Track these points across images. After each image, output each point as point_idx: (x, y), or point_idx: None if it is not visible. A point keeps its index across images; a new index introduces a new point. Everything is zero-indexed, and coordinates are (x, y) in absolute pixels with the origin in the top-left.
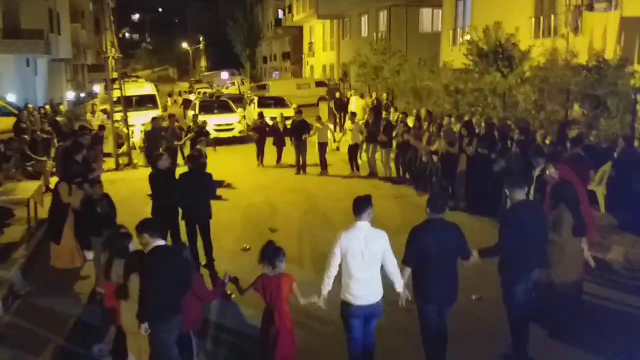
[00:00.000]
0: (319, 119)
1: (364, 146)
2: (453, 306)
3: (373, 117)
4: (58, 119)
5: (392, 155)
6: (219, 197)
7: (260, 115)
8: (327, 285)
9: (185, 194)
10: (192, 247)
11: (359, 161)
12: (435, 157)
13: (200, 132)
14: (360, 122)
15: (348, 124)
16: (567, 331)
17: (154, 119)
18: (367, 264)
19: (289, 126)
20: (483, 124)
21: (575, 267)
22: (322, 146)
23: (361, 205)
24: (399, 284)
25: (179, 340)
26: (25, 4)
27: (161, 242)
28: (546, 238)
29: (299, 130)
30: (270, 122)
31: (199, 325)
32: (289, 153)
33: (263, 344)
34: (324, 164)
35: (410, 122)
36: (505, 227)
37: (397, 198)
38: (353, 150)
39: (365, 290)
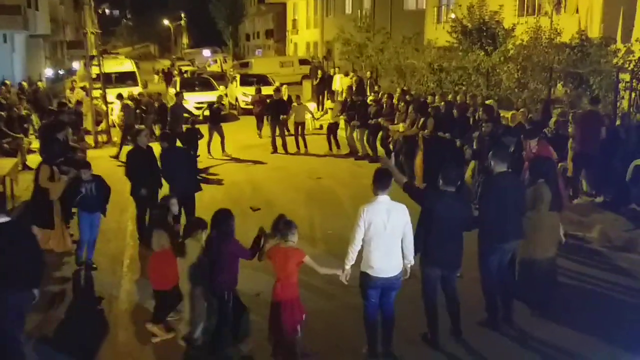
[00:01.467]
0: (297, 98)
1: (343, 124)
2: (457, 271)
3: (352, 96)
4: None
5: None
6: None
7: (259, 90)
8: (352, 259)
9: (172, 168)
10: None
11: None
12: (395, 133)
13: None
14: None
15: (328, 102)
16: (547, 308)
17: (177, 94)
18: (389, 236)
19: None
20: (442, 103)
21: (552, 242)
22: (299, 126)
23: (383, 179)
24: (412, 257)
25: (217, 302)
26: None
27: (5, 219)
28: (523, 210)
29: (277, 109)
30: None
31: (235, 285)
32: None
33: (270, 314)
34: (303, 144)
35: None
36: (485, 197)
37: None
38: (332, 128)
39: (386, 263)
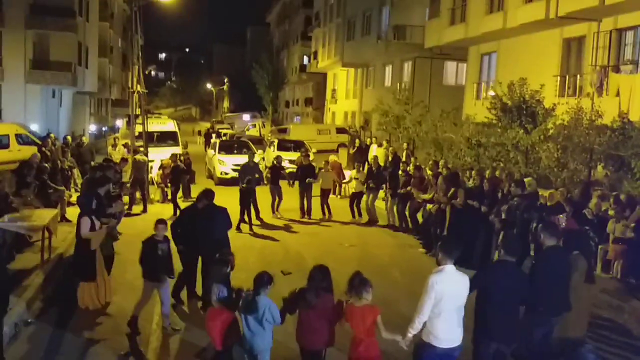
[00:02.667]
0: (325, 163)
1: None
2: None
3: (377, 166)
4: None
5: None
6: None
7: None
8: (417, 329)
9: (204, 227)
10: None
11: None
12: (433, 207)
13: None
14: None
15: (354, 172)
16: None
17: (252, 153)
18: (457, 307)
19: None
20: (475, 176)
21: (585, 316)
22: (325, 192)
23: (452, 248)
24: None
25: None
26: (56, 37)
27: None
28: (569, 284)
29: (305, 174)
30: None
31: (333, 342)
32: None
33: None
34: (327, 211)
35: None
36: (538, 271)
37: (412, 248)
38: (355, 197)
39: (451, 334)
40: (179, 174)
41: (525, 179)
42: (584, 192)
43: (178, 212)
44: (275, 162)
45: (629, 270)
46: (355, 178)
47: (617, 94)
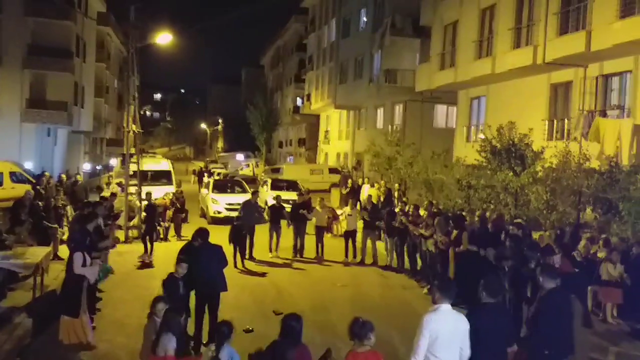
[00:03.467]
0: (322, 200)
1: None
2: None
3: (379, 205)
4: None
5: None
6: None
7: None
8: None
9: (201, 265)
10: (198, 321)
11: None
12: (429, 242)
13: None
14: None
15: (346, 209)
16: None
17: (254, 192)
18: (452, 346)
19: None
20: (477, 219)
21: (585, 358)
22: (319, 230)
23: (449, 287)
24: None
25: None
26: (53, 77)
27: None
28: (574, 327)
29: (299, 209)
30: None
31: None
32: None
33: None
34: (321, 250)
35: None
36: (543, 314)
37: (405, 289)
38: (349, 236)
39: None
40: (155, 213)
41: (515, 221)
42: (573, 234)
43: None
44: (276, 201)
45: (624, 313)
46: (348, 215)
47: (599, 139)
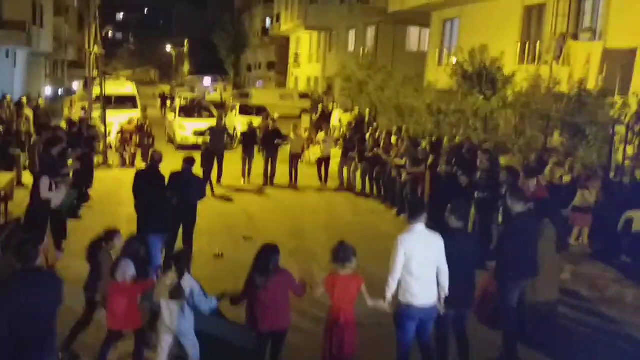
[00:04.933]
0: (295, 128)
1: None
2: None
3: (353, 132)
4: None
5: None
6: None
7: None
8: (392, 289)
9: (176, 194)
10: (171, 247)
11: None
12: (404, 173)
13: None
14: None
15: (320, 135)
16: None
17: (220, 116)
18: (428, 266)
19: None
20: (446, 143)
21: (554, 282)
22: (294, 158)
23: (417, 209)
24: (447, 286)
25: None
26: None
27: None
28: (537, 249)
29: (271, 138)
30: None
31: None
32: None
33: (327, 341)
34: (294, 177)
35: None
36: (508, 236)
37: (374, 213)
38: (322, 162)
39: (426, 292)
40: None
41: (484, 145)
42: (540, 158)
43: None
44: (248, 127)
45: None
46: (323, 141)
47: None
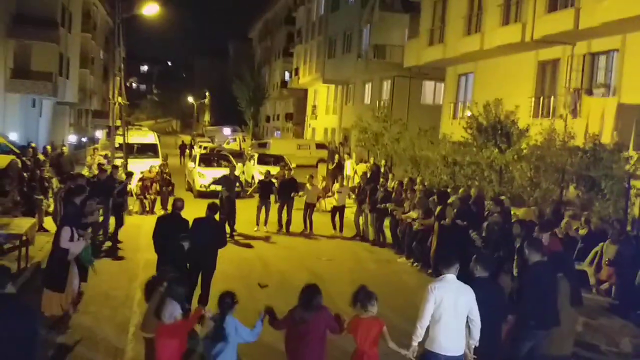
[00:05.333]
0: (311, 178)
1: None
2: None
3: (366, 183)
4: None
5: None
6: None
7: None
8: (420, 336)
9: (200, 240)
10: (190, 292)
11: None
12: (416, 224)
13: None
14: (349, 185)
15: (336, 185)
16: None
17: (232, 166)
18: (457, 315)
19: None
20: (458, 197)
21: (569, 336)
22: (310, 206)
23: (450, 260)
24: (478, 337)
25: None
26: (38, 47)
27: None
28: (556, 299)
29: (287, 188)
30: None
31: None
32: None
33: None
34: (309, 225)
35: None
36: (527, 285)
37: (389, 262)
38: (337, 210)
39: (452, 342)
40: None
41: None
42: (556, 211)
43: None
44: (265, 176)
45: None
46: (338, 192)
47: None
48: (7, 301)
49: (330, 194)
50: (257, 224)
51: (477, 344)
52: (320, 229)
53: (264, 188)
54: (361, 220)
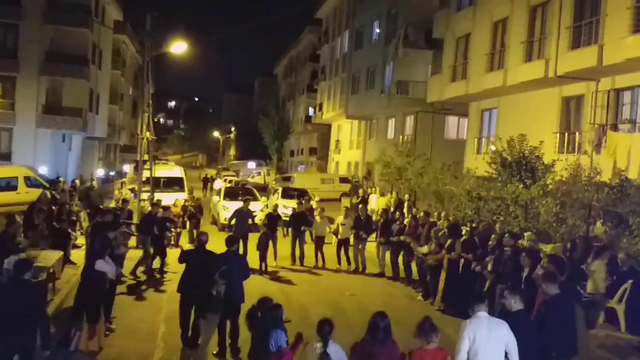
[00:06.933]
0: (321, 211)
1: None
2: None
3: (387, 216)
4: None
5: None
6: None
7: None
8: None
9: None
10: (221, 331)
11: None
12: (429, 258)
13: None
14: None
15: (340, 218)
16: None
17: (245, 200)
18: (493, 350)
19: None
20: (467, 229)
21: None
22: (319, 240)
23: (478, 298)
24: None
25: None
26: (69, 83)
27: None
28: (575, 329)
29: (298, 221)
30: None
31: None
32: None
33: None
34: (321, 258)
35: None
36: (549, 318)
37: (412, 299)
38: (342, 244)
39: None
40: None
41: (525, 234)
42: (583, 247)
43: None
44: (272, 210)
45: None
46: (342, 224)
47: (611, 154)
48: (25, 283)
49: (334, 226)
50: (263, 260)
51: None
52: (333, 262)
53: (271, 221)
54: (388, 255)
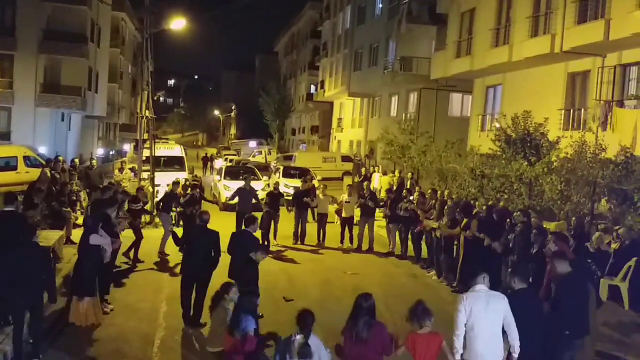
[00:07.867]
0: (324, 188)
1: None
2: None
3: (394, 194)
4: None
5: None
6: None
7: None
8: (459, 347)
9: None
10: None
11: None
12: (437, 232)
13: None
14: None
15: (343, 196)
16: None
17: (246, 178)
18: (489, 323)
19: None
20: (484, 207)
21: (592, 343)
22: (322, 217)
23: (475, 270)
24: (517, 346)
25: None
26: (68, 62)
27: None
28: (588, 309)
29: (302, 199)
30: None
31: None
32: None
33: None
34: (322, 236)
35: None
36: (562, 296)
37: (416, 277)
38: (345, 222)
39: (490, 349)
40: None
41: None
42: (587, 225)
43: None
44: (273, 188)
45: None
46: (346, 202)
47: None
48: (34, 245)
49: (336, 205)
50: (265, 239)
51: (517, 353)
52: (335, 240)
53: (272, 200)
54: (366, 231)
